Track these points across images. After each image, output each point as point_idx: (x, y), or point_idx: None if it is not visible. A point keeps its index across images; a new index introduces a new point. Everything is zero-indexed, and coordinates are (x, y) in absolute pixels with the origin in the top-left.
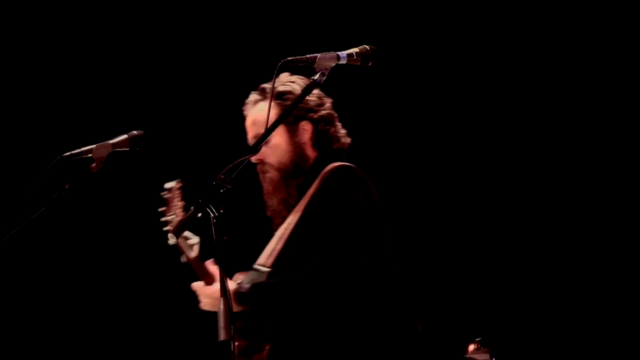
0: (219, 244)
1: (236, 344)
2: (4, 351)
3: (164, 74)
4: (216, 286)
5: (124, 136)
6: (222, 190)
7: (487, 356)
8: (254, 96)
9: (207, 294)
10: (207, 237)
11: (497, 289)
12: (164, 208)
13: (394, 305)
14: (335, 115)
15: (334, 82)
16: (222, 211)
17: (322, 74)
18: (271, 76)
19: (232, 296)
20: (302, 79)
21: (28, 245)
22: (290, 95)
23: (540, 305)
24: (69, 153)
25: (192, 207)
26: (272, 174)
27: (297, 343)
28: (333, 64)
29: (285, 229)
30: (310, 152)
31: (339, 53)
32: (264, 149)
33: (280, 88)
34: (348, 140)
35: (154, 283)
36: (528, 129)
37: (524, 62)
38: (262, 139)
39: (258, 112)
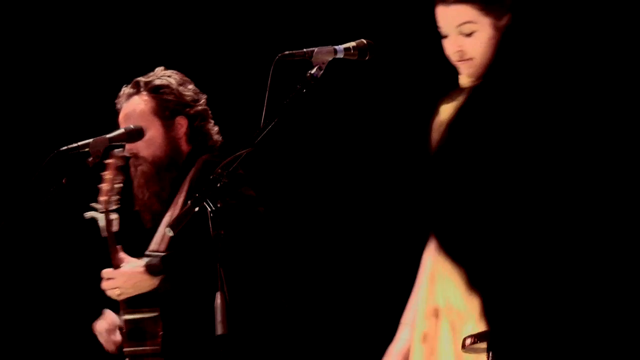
0: (216, 238)
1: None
2: (4, 351)
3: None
4: (126, 269)
5: (121, 130)
6: (219, 185)
7: (484, 348)
8: (127, 90)
9: (120, 277)
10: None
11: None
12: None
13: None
14: (209, 111)
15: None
16: (219, 205)
17: (319, 68)
18: (267, 70)
19: (145, 269)
20: (177, 73)
21: (25, 240)
22: (166, 89)
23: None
24: (65, 147)
25: (189, 202)
26: (145, 167)
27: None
28: (330, 58)
29: (170, 217)
30: (185, 147)
31: (336, 47)
32: (138, 144)
33: (157, 82)
34: (220, 137)
35: None
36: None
37: None
38: (263, 133)
39: (132, 105)
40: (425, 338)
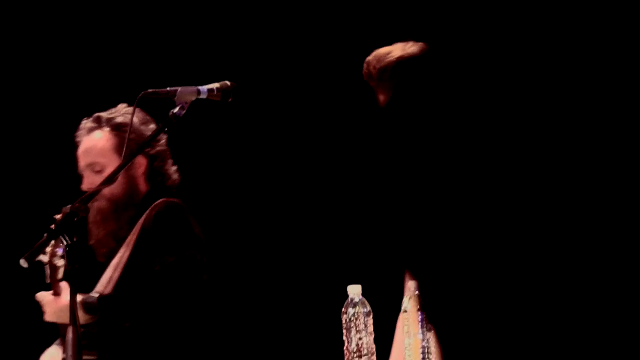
0: (71, 272)
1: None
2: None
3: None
4: (64, 298)
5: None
6: (76, 219)
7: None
8: (88, 124)
9: (55, 306)
10: None
11: None
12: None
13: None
14: (169, 151)
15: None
16: (75, 239)
17: (182, 108)
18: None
19: (81, 304)
20: (140, 112)
21: None
22: (128, 128)
23: None
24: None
25: (44, 234)
26: (102, 204)
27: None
28: (193, 98)
29: (121, 257)
30: (143, 186)
31: (200, 87)
32: (96, 179)
33: (119, 119)
34: (178, 177)
35: None
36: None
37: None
38: (118, 171)
39: (92, 140)
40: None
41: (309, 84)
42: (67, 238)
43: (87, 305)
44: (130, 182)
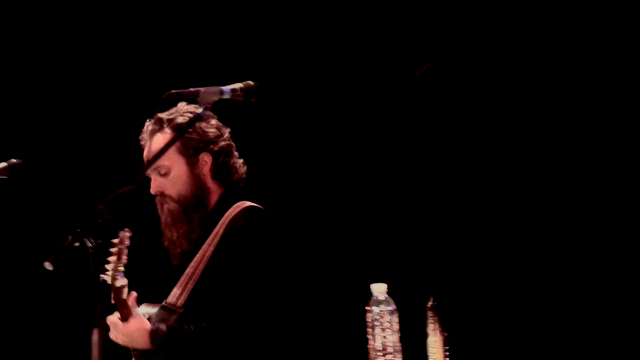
0: (95, 275)
1: None
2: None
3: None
4: (132, 323)
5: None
6: (100, 221)
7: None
8: (150, 126)
9: (121, 331)
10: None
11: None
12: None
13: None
14: (233, 145)
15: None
16: (99, 242)
17: (205, 108)
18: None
19: (149, 335)
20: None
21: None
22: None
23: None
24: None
25: (69, 237)
26: (171, 206)
27: None
28: (216, 98)
29: (195, 268)
30: (211, 184)
31: (223, 88)
32: (163, 180)
33: (179, 119)
34: (245, 169)
35: None
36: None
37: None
38: (146, 168)
39: (156, 144)
40: None
41: (325, 85)
42: (91, 240)
43: (154, 337)
44: (198, 181)
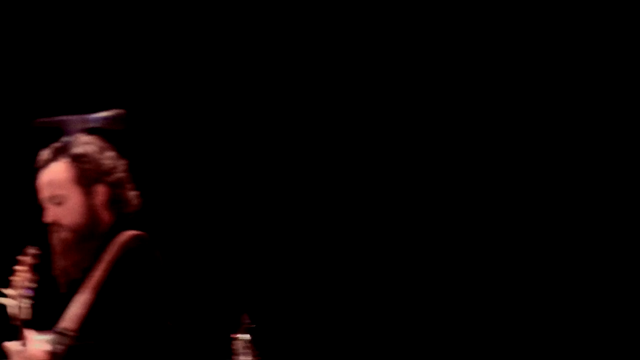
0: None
1: None
2: None
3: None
4: (31, 349)
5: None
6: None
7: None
8: (46, 155)
9: (22, 356)
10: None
11: None
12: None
13: None
14: (129, 176)
15: None
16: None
17: (72, 137)
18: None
19: (50, 357)
20: (96, 139)
21: None
22: (85, 158)
23: None
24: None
25: None
26: (65, 235)
27: None
28: (83, 127)
29: (87, 294)
30: (105, 215)
31: (90, 116)
32: (58, 210)
33: (75, 150)
34: (139, 202)
35: None
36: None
37: None
38: None
39: (52, 173)
40: None
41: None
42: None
43: (56, 357)
44: (92, 211)
